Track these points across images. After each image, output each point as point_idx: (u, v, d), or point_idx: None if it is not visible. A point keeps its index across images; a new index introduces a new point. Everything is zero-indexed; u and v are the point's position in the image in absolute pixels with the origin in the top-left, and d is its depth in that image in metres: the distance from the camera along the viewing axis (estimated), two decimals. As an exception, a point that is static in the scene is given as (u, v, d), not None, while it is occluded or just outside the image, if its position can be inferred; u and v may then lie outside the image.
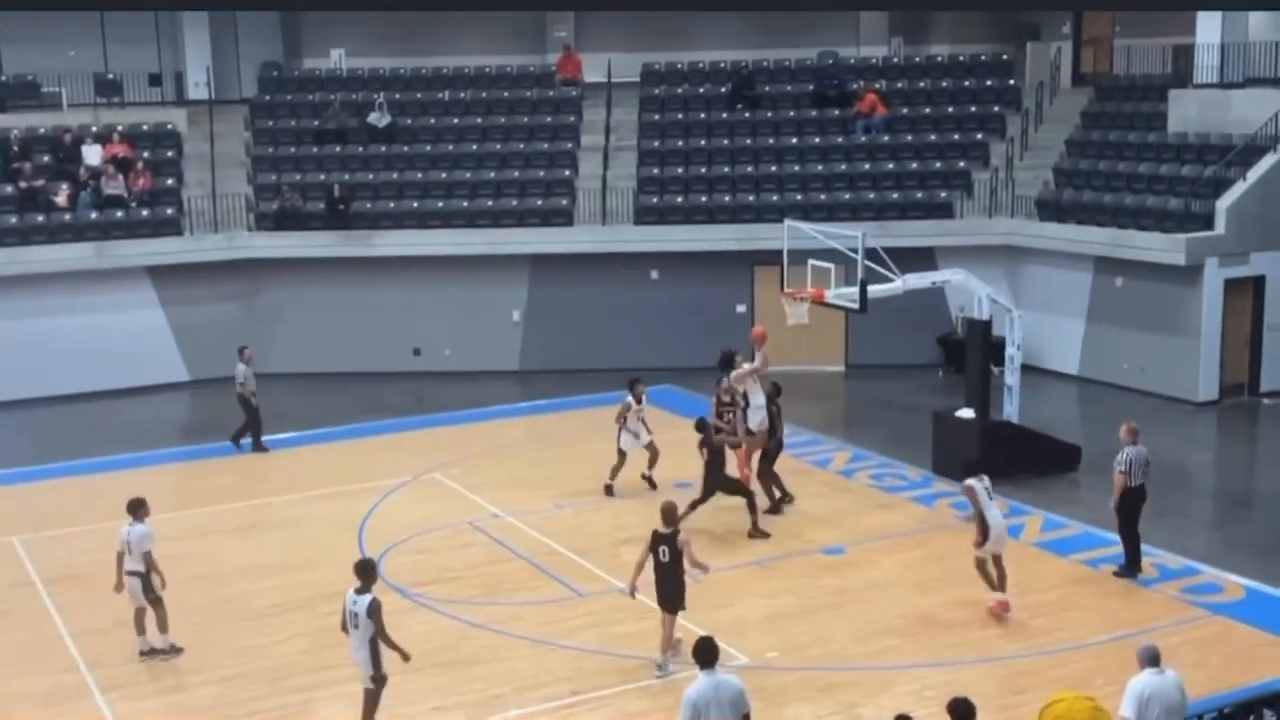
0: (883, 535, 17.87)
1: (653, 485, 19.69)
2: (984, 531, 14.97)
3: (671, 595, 13.75)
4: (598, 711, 13.16)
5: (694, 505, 17.51)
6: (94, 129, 28.52)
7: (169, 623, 14.57)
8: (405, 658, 12.14)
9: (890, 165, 28.71)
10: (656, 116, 30.23)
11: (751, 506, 17.77)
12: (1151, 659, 10.33)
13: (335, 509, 19.36)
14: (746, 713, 10.33)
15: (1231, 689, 12.65)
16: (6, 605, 16.19)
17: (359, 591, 12.06)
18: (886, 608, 15.45)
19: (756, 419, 18.45)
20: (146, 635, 14.57)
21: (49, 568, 17.25)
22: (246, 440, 22.32)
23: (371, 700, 12.25)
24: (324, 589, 16.32)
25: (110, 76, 30.42)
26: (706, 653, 10.47)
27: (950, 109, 29.79)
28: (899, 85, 30.40)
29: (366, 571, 12.24)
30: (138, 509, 14.58)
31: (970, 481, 15.12)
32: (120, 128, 28.77)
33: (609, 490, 19.61)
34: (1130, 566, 16.26)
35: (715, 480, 17.70)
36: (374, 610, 11.95)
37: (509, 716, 13.13)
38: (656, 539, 13.72)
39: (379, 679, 12.17)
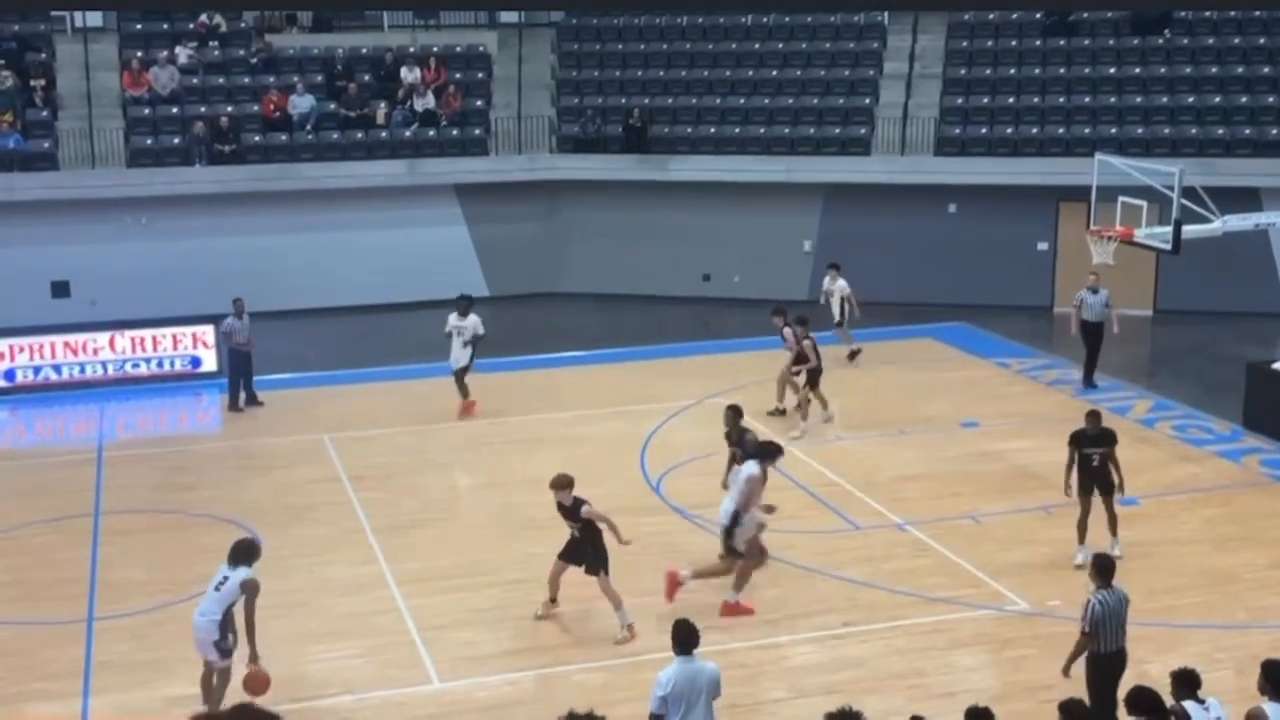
0: (1183, 489, 16.96)
1: None
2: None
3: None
4: (868, 644, 13.05)
5: None
6: (411, 50, 29.72)
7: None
8: None
9: (1217, 99, 26.86)
10: (965, 43, 29.18)
11: None
12: None
13: (619, 427, 19.76)
14: (716, 694, 9.74)
15: None
16: (316, 498, 17.27)
17: None
18: (1182, 564, 14.69)
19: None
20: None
21: (354, 465, 18.31)
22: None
23: None
24: (604, 504, 16.60)
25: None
26: (683, 637, 9.77)
27: (1287, 39, 27.63)
28: (1231, 14, 28.29)
29: None
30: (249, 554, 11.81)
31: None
32: (436, 49, 29.87)
33: None
34: None
35: None
36: None
37: (779, 642, 13.17)
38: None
39: None
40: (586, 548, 13.25)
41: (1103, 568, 10.91)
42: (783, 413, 19.93)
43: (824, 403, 19.63)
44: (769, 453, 14.00)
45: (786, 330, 19.74)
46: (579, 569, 13.43)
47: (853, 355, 22.83)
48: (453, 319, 20.04)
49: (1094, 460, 14.67)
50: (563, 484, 13.24)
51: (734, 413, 15.47)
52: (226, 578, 11.45)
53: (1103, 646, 10.68)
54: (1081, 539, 14.77)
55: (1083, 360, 21.36)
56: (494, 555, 15.29)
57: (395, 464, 18.40)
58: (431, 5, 31.05)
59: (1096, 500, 14.69)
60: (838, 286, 22.93)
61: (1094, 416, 14.96)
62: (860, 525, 16.02)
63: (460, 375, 20.10)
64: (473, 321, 19.95)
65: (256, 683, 11.43)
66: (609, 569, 13.23)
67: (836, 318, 22.90)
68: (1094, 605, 10.66)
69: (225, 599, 11.39)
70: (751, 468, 13.71)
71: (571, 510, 13.24)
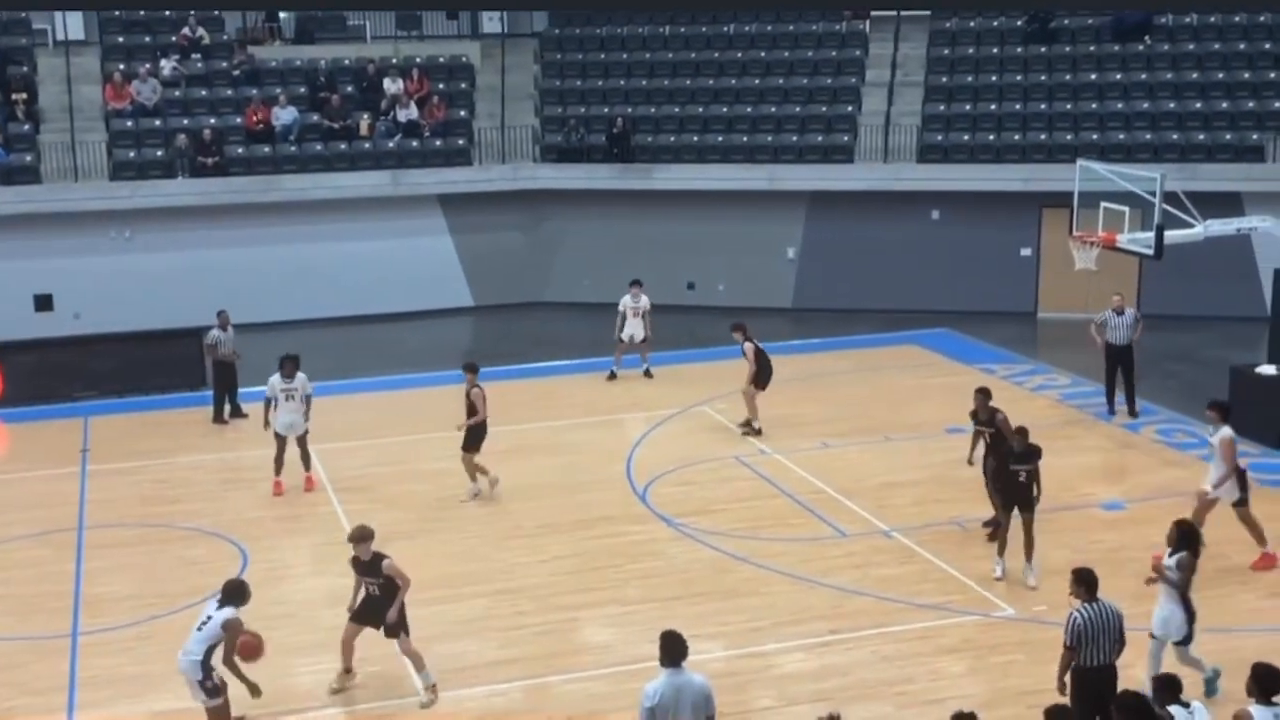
0: (1168, 493, 16.96)
1: None
2: (1242, 484, 14.78)
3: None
4: (855, 652, 13.04)
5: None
6: (394, 61, 29.71)
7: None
8: None
9: (1198, 104, 27.00)
10: (947, 51, 29.29)
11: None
12: None
13: (605, 436, 19.76)
14: (711, 715, 9.62)
15: None
16: (301, 510, 17.23)
17: None
18: (1167, 569, 14.69)
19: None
20: None
21: (339, 477, 18.26)
22: None
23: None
24: (590, 513, 16.78)
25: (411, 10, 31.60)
26: (671, 649, 9.57)
27: (1267, 45, 27.74)
28: (1211, 20, 28.46)
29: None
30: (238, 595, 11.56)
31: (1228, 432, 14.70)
32: (418, 60, 29.87)
33: None
34: None
35: None
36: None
37: (766, 650, 13.16)
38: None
39: None
40: (384, 607, 12.12)
41: (1084, 580, 10.72)
42: (759, 431, 19.56)
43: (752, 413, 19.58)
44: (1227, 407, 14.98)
45: (747, 345, 19.53)
46: (376, 631, 12.29)
47: (648, 373, 22.80)
48: (276, 381, 17.52)
49: (1020, 476, 14.28)
50: (362, 537, 12.10)
51: (984, 395, 15.62)
52: (210, 617, 11.24)
53: (1086, 661, 10.54)
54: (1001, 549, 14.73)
55: (1069, 372, 21.35)
56: (480, 565, 15.26)
57: (380, 474, 18.37)
58: (419, 6, 31.07)
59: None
60: (641, 304, 22.57)
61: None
62: (846, 532, 16.03)
63: (303, 442, 17.78)
64: (301, 380, 17.62)
65: (249, 649, 11.24)
66: (409, 628, 12.26)
67: (644, 333, 22.56)
68: (1074, 618, 10.52)
69: (207, 638, 11.16)
70: (1227, 430, 14.62)
71: (370, 566, 12.11)
